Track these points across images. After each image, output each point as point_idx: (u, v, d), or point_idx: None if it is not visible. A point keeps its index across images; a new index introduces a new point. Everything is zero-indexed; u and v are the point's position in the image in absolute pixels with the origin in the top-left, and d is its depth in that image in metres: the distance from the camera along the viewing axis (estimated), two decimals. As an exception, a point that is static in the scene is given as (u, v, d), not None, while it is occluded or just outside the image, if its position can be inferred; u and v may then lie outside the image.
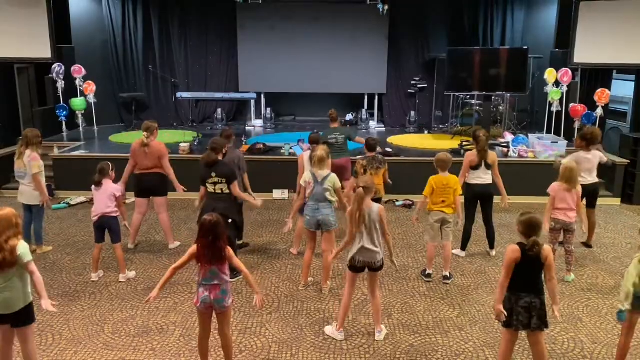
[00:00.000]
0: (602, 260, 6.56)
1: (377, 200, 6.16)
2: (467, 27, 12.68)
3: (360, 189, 4.50)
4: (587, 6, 10.11)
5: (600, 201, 8.76)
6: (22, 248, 3.65)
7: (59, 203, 8.51)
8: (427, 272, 5.98)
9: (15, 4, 10.33)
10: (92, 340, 4.67)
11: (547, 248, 3.81)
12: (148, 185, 6.58)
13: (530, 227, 3.79)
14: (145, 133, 6.49)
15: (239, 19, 12.62)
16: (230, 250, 3.96)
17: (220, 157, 5.78)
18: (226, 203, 5.65)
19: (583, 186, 6.57)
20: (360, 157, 7.10)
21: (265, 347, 4.59)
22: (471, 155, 6.42)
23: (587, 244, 6.99)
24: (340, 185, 5.66)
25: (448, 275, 5.92)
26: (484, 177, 6.41)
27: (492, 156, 6.46)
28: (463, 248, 6.68)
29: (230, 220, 5.61)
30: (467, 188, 6.46)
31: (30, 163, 6.27)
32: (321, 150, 5.63)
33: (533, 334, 3.88)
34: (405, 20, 12.59)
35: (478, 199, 6.51)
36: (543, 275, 3.85)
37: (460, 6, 12.61)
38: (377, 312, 4.77)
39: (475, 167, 6.39)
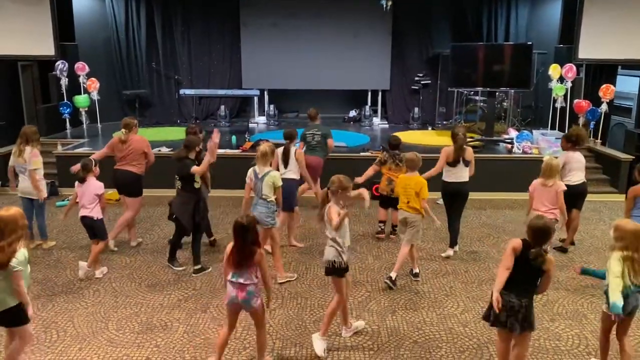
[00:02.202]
0: (607, 257, 6.50)
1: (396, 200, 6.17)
2: (471, 23, 12.64)
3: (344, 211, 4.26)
4: (591, 1, 10.06)
5: (604, 197, 8.80)
6: (20, 255, 3.61)
7: (63, 200, 8.52)
8: (414, 272, 5.90)
9: (18, 2, 10.34)
10: (96, 337, 4.68)
11: (550, 260, 3.62)
12: (122, 182, 6.54)
13: (538, 235, 3.61)
14: (124, 130, 6.52)
15: (242, 16, 12.62)
16: (261, 254, 3.94)
17: (192, 155, 5.87)
18: (181, 199, 5.88)
19: (570, 186, 6.52)
20: (381, 150, 7.10)
21: (269, 343, 4.57)
22: (448, 151, 6.38)
23: (563, 248, 6.70)
24: (280, 184, 5.56)
25: (393, 277, 5.61)
26: (460, 174, 6.38)
27: (470, 153, 6.41)
28: (452, 245, 6.59)
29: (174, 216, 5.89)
30: (443, 185, 6.45)
31: (31, 159, 6.32)
32: (265, 146, 5.63)
33: (519, 335, 3.73)
34: (408, 17, 12.55)
35: (449, 197, 6.50)
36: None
37: (464, 2, 12.56)
38: (327, 314, 4.46)
39: (452, 164, 6.37)
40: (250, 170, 5.66)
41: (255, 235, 3.94)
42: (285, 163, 6.51)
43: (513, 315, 3.67)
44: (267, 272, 4.04)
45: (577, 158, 6.60)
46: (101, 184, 5.83)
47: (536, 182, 5.83)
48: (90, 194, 5.71)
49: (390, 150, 7.05)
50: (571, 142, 6.65)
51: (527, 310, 3.68)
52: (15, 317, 3.75)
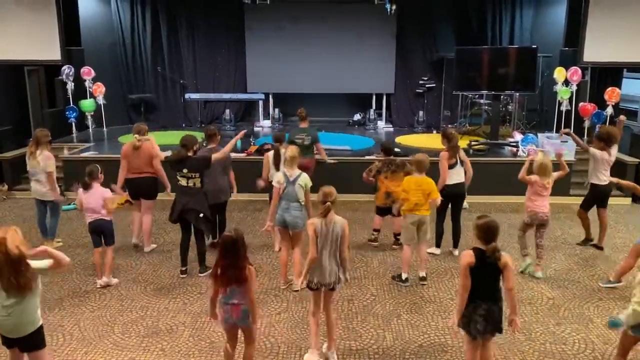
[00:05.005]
0: (613, 261, 6.50)
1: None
2: (475, 26, 12.63)
3: (329, 203, 4.20)
4: (596, 4, 10.04)
5: (611, 201, 8.70)
6: (36, 264, 3.46)
7: (69, 204, 8.55)
8: (403, 277, 5.82)
9: (25, 7, 10.41)
10: (102, 341, 4.70)
11: (506, 256, 3.65)
12: (139, 189, 6.61)
13: (488, 232, 3.64)
14: (136, 135, 6.57)
15: (247, 20, 12.65)
16: (252, 270, 3.75)
17: (190, 154, 5.93)
18: (198, 197, 5.87)
19: (598, 186, 6.54)
20: (374, 157, 6.99)
21: (274, 347, 4.59)
22: (447, 155, 6.39)
23: (598, 246, 6.88)
24: (310, 185, 5.54)
25: (424, 275, 5.84)
26: (458, 176, 6.40)
27: (462, 153, 6.54)
28: (438, 245, 6.66)
29: (201, 215, 5.84)
30: (447, 188, 6.36)
31: (46, 162, 6.42)
32: (292, 149, 5.63)
33: (484, 338, 3.75)
34: (412, 20, 12.55)
35: (452, 198, 6.45)
36: (501, 282, 3.70)
37: (468, 5, 12.56)
38: (330, 331, 4.44)
39: (452, 166, 6.37)
40: (280, 175, 5.59)
41: (246, 250, 3.75)
42: (277, 165, 6.51)
43: (492, 321, 3.68)
44: (254, 291, 3.80)
45: (606, 158, 6.56)
46: (107, 190, 5.82)
47: (535, 177, 5.84)
48: (98, 199, 5.66)
49: (384, 156, 6.80)
50: (602, 141, 6.61)
51: (499, 314, 3.70)
52: (40, 339, 3.56)
